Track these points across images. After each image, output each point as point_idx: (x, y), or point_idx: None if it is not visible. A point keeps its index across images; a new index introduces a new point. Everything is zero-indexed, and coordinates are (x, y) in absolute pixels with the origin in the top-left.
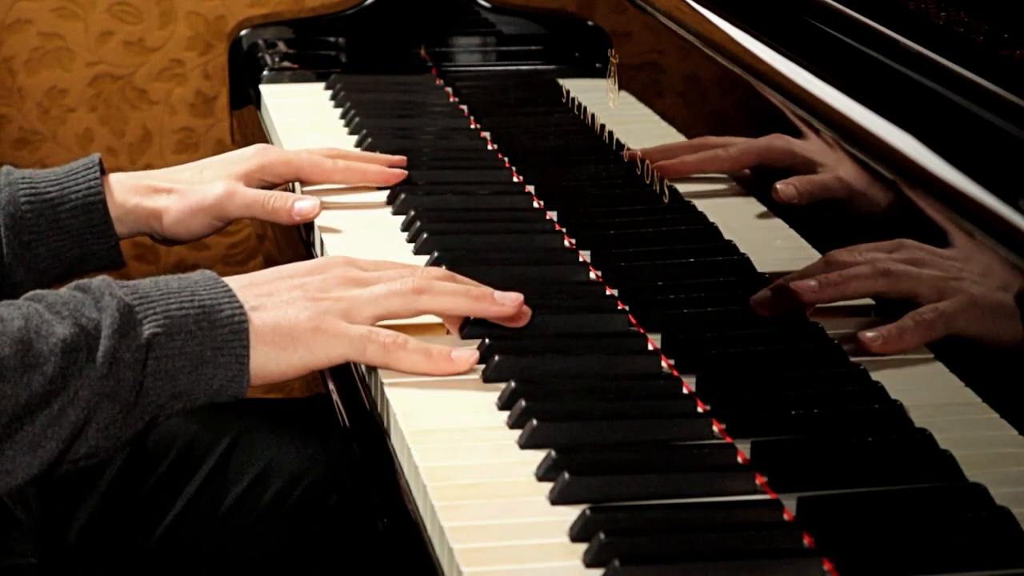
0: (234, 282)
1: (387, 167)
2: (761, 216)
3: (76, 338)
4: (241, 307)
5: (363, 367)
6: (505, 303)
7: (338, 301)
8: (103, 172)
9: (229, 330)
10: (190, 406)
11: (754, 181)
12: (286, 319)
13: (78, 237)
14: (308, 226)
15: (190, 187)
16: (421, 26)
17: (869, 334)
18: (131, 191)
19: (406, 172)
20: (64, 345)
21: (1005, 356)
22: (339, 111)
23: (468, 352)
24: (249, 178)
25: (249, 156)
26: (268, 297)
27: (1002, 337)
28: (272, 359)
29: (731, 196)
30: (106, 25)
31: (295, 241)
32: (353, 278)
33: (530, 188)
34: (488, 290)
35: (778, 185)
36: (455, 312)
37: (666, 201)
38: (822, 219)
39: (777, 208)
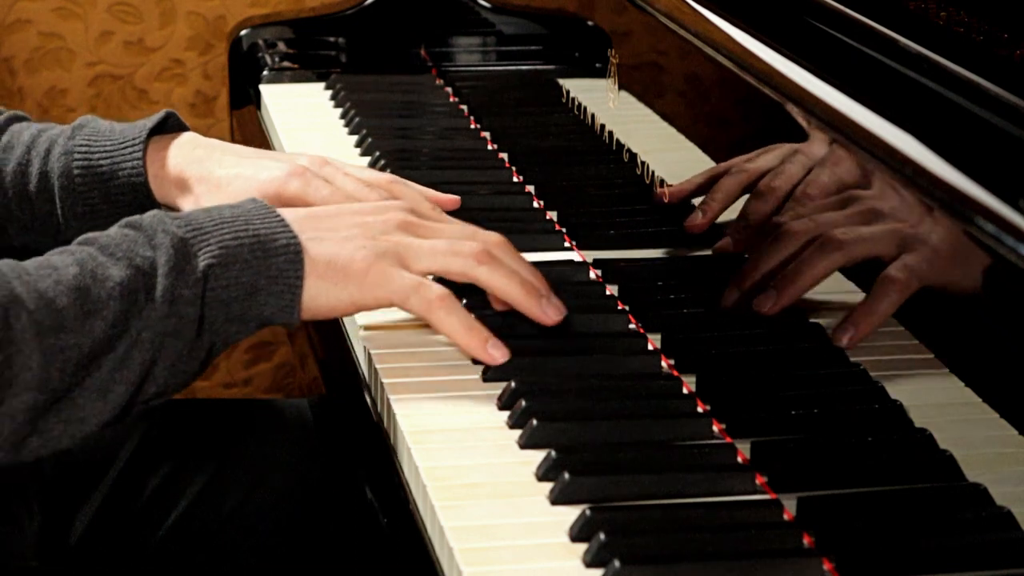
0: (290, 213)
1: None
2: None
3: (133, 280)
4: (295, 237)
5: (365, 367)
6: (548, 312)
7: (396, 245)
8: (164, 132)
9: (284, 259)
10: (243, 334)
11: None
12: (342, 254)
13: (128, 215)
14: None
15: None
16: (421, 26)
17: (845, 334)
18: (175, 183)
19: None
20: (122, 288)
21: (1005, 356)
22: (339, 111)
23: (502, 352)
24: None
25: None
26: (328, 231)
27: (972, 286)
28: (323, 292)
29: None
30: (106, 25)
31: None
32: (413, 223)
33: (530, 188)
34: (541, 286)
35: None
36: (503, 295)
37: (666, 201)
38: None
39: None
